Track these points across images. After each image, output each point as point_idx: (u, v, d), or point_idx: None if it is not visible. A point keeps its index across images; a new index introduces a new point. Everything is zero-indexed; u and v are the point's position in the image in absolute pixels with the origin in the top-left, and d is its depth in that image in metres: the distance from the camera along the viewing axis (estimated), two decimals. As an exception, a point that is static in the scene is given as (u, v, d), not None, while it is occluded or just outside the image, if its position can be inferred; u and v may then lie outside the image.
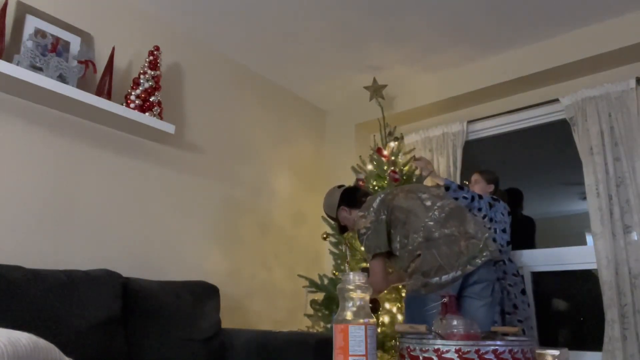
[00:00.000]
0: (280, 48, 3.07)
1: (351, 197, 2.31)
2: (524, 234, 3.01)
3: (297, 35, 2.92)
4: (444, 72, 3.34)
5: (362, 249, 2.14)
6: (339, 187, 2.39)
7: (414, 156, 2.99)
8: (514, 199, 3.08)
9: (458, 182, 3.18)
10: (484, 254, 1.90)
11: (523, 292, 2.58)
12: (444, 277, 1.85)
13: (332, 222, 2.56)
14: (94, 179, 2.29)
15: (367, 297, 1.10)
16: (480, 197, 2.68)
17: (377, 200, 2.11)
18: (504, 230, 2.66)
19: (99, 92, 2.25)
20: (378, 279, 2.03)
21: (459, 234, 1.92)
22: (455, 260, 1.87)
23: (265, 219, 3.22)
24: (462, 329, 1.17)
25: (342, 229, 2.40)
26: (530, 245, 3.01)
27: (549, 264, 2.88)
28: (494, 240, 2.63)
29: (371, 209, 2.08)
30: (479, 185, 2.84)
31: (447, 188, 2.69)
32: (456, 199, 2.66)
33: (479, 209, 2.66)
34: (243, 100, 3.22)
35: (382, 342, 2.49)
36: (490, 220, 2.66)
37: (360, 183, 2.87)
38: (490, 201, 2.68)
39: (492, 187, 2.82)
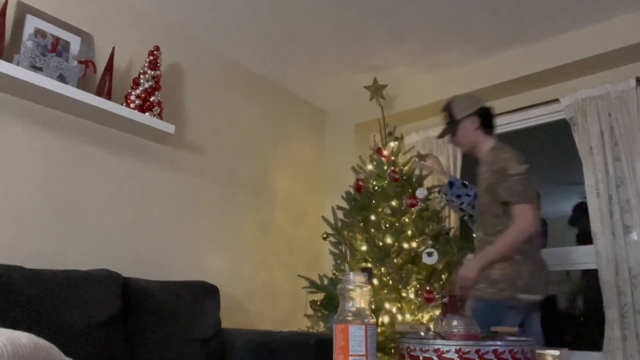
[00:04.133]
0: (280, 48, 3.06)
1: (489, 119, 2.19)
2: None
3: (297, 35, 2.92)
4: (444, 72, 3.34)
5: (502, 190, 1.95)
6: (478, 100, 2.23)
7: (418, 152, 2.94)
8: None
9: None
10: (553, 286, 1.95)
11: None
12: (531, 297, 1.84)
13: (446, 118, 2.27)
14: (94, 179, 2.29)
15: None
16: None
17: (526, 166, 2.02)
18: None
19: (99, 92, 2.25)
20: (529, 220, 1.88)
21: (543, 259, 1.96)
22: (541, 284, 1.88)
23: (265, 219, 3.22)
24: (462, 329, 1.16)
25: (447, 130, 2.21)
26: (542, 246, 3.00)
27: (548, 264, 2.87)
28: None
29: (523, 162, 2.00)
30: None
31: (450, 185, 2.65)
32: (459, 196, 2.63)
33: None
34: (243, 100, 3.22)
35: (382, 345, 2.48)
36: None
37: (360, 183, 2.87)
38: None
39: None
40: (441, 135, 2.27)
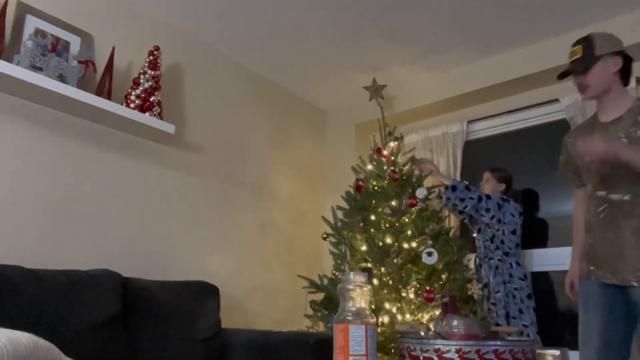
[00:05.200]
0: (280, 48, 3.06)
1: (629, 67, 1.82)
2: (536, 236, 2.98)
3: (297, 35, 2.92)
4: (444, 72, 3.34)
5: None
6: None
7: (414, 156, 2.98)
8: (529, 199, 3.06)
9: (458, 182, 3.17)
10: None
11: (529, 296, 2.53)
12: None
13: (577, 53, 1.83)
14: (94, 179, 2.29)
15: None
16: (488, 197, 2.64)
17: None
18: (513, 232, 2.61)
19: (99, 92, 2.26)
20: None
21: None
22: None
23: (265, 219, 3.22)
24: (463, 329, 1.16)
25: (579, 64, 1.80)
26: (543, 247, 2.99)
27: (549, 264, 2.88)
28: (502, 242, 2.60)
29: None
30: (489, 183, 2.81)
31: (454, 188, 2.65)
32: (462, 199, 2.63)
33: (487, 210, 2.62)
34: (243, 100, 3.22)
35: (382, 345, 2.48)
36: (499, 221, 2.62)
37: (360, 183, 2.87)
38: (499, 202, 2.64)
39: (503, 186, 2.79)
40: (564, 74, 1.84)
